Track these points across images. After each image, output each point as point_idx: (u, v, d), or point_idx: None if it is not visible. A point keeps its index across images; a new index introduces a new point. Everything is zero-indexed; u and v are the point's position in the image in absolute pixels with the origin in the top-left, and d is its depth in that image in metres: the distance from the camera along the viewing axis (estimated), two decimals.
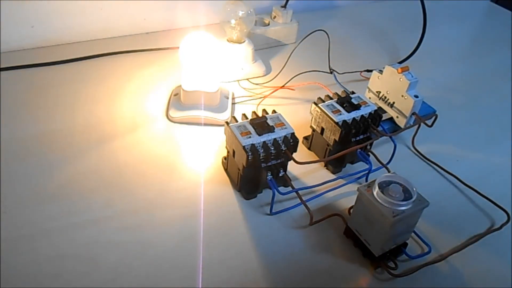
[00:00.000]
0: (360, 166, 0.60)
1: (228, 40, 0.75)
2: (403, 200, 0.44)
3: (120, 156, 0.59)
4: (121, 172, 0.56)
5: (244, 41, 0.75)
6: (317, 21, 0.93)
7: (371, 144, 0.60)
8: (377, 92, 0.67)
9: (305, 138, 0.64)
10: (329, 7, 1.05)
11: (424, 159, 0.64)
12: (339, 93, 0.61)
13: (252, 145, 0.50)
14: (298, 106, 0.71)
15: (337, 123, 0.55)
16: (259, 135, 0.50)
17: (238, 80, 0.75)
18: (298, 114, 0.67)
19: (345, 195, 0.57)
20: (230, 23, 0.73)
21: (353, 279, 0.47)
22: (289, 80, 0.73)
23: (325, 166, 0.61)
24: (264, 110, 0.55)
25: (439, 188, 0.59)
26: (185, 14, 0.87)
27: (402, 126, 0.65)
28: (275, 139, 0.51)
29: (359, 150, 0.57)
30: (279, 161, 0.53)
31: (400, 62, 0.80)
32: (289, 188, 0.53)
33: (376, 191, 0.45)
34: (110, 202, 0.52)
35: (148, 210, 0.52)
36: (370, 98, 0.68)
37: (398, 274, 0.47)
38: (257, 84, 0.75)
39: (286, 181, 0.54)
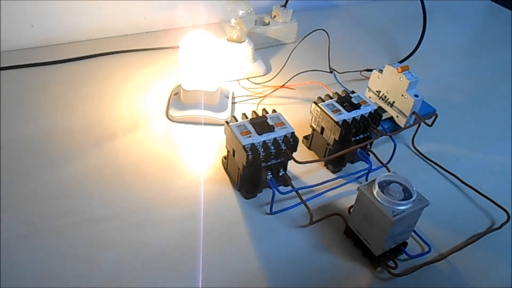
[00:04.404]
0: (360, 165, 0.60)
1: (228, 40, 0.75)
2: (403, 200, 0.44)
3: (120, 155, 0.59)
4: (121, 171, 0.56)
5: (244, 41, 0.75)
6: (317, 21, 0.93)
7: (371, 144, 0.60)
8: (377, 91, 0.67)
9: (305, 137, 0.64)
10: (329, 6, 1.05)
11: (424, 159, 0.64)
12: (339, 92, 0.61)
13: (252, 144, 0.49)
14: (298, 105, 0.71)
15: (337, 123, 0.55)
16: (259, 134, 0.50)
17: (238, 80, 0.75)
18: (298, 114, 0.67)
19: (345, 194, 0.57)
20: (230, 23, 0.73)
21: (353, 279, 0.47)
22: (289, 80, 0.73)
23: (325, 165, 0.61)
24: (264, 110, 0.55)
25: (439, 188, 0.59)
26: (185, 13, 0.87)
27: (402, 125, 0.65)
28: (275, 138, 0.51)
29: (359, 149, 0.57)
30: (279, 160, 0.53)
31: (400, 62, 0.80)
32: (289, 188, 0.53)
33: (376, 190, 0.45)
34: (110, 201, 0.52)
35: (148, 209, 0.52)
36: (370, 97, 0.68)
37: (398, 273, 0.47)
38: (257, 83, 0.75)
39: (286, 180, 0.54)
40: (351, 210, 0.52)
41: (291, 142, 0.52)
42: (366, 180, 0.59)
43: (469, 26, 1.07)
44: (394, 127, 0.65)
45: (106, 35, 0.83)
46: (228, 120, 0.53)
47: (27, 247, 0.46)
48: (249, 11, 0.72)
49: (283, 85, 0.73)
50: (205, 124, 0.65)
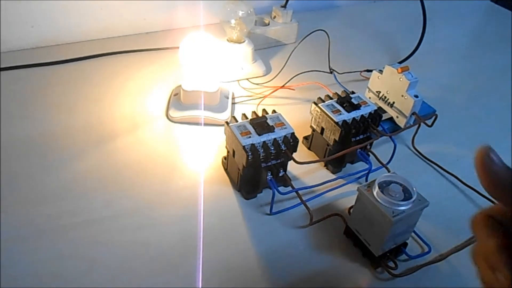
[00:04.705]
0: (360, 166, 0.60)
1: (228, 40, 0.75)
2: (403, 200, 0.44)
3: (120, 156, 0.59)
4: (121, 172, 0.56)
5: (244, 41, 0.75)
6: (317, 21, 0.93)
7: (371, 144, 0.60)
8: (377, 92, 0.67)
9: (305, 138, 0.64)
10: (329, 7, 1.05)
11: (424, 159, 0.64)
12: (339, 93, 0.61)
13: (252, 145, 0.50)
14: (298, 106, 0.71)
15: (337, 123, 0.55)
16: (259, 135, 0.50)
17: (238, 80, 0.75)
18: (298, 114, 0.67)
19: (345, 195, 0.57)
20: (230, 23, 0.73)
21: (353, 279, 0.47)
22: (289, 80, 0.73)
23: (325, 166, 0.61)
24: (264, 110, 0.55)
25: (439, 188, 0.59)
26: (185, 14, 0.87)
27: (402, 126, 0.65)
28: (275, 139, 0.51)
29: (359, 150, 0.57)
30: (279, 161, 0.53)
31: (400, 62, 0.80)
32: (289, 188, 0.53)
33: (376, 191, 0.45)
34: (110, 202, 0.52)
35: (148, 210, 0.52)
36: (370, 98, 0.68)
37: (398, 274, 0.47)
38: (257, 84, 0.75)
39: (286, 181, 0.54)
40: (351, 210, 0.52)
41: (291, 142, 0.52)
42: (366, 180, 0.59)
43: (469, 27, 1.07)
44: (394, 128, 0.65)
45: (106, 36, 0.83)
46: (228, 120, 0.53)
47: (27, 248, 0.46)
48: (249, 11, 0.73)
49: (283, 85, 0.73)
50: (205, 124, 0.65)
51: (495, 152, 0.30)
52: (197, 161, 0.60)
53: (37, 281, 0.44)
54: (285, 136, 0.51)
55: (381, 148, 0.62)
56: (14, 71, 0.72)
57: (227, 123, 0.52)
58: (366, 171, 0.58)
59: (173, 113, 0.65)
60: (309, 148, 0.63)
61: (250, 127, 0.51)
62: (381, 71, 0.65)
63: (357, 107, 0.57)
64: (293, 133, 0.52)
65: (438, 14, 1.04)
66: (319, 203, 0.55)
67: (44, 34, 0.78)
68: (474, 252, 0.35)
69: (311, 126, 0.61)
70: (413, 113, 0.63)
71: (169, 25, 0.87)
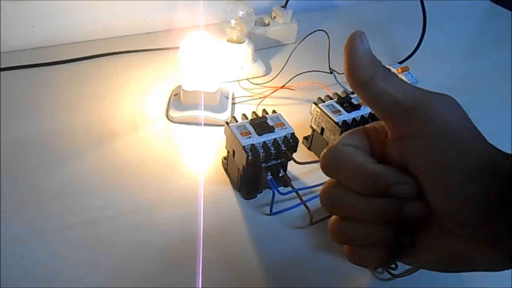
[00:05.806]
0: None
1: (228, 40, 0.75)
2: None
3: (120, 156, 0.59)
4: (120, 172, 0.56)
5: (244, 41, 0.75)
6: (317, 21, 0.93)
7: None
8: None
9: (305, 138, 0.64)
10: (329, 7, 1.05)
11: None
12: (339, 93, 0.61)
13: (252, 145, 0.50)
14: (298, 106, 0.71)
15: (337, 123, 0.55)
16: (259, 135, 0.50)
17: (238, 80, 0.75)
18: (298, 114, 0.67)
19: None
20: (230, 23, 0.73)
21: (353, 279, 0.47)
22: (289, 80, 0.73)
23: None
24: (264, 110, 0.55)
25: None
26: (185, 14, 0.87)
27: None
28: (275, 139, 0.51)
29: None
30: (279, 161, 0.53)
31: (400, 62, 0.80)
32: (289, 188, 0.53)
33: None
34: (110, 202, 0.52)
35: (147, 210, 0.52)
36: None
37: (398, 274, 0.47)
38: (257, 84, 0.75)
39: (286, 181, 0.54)
40: None
41: (291, 142, 0.52)
42: None
43: (469, 27, 1.07)
44: None
45: (106, 36, 0.83)
46: (228, 120, 0.53)
47: (27, 248, 0.46)
48: (249, 11, 0.73)
49: (283, 85, 0.73)
50: (205, 124, 0.65)
51: (366, 37, 0.30)
52: (197, 161, 0.60)
53: (37, 281, 0.44)
54: (285, 136, 0.52)
55: None
56: (14, 71, 0.72)
57: (227, 123, 0.52)
58: None
59: (173, 113, 0.65)
60: (309, 148, 0.63)
61: (250, 127, 0.51)
62: None
63: (357, 107, 0.57)
64: (293, 133, 0.52)
65: (438, 14, 1.04)
66: (319, 203, 0.54)
67: (44, 34, 0.78)
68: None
69: (311, 126, 0.61)
70: None
71: (169, 25, 0.87)
